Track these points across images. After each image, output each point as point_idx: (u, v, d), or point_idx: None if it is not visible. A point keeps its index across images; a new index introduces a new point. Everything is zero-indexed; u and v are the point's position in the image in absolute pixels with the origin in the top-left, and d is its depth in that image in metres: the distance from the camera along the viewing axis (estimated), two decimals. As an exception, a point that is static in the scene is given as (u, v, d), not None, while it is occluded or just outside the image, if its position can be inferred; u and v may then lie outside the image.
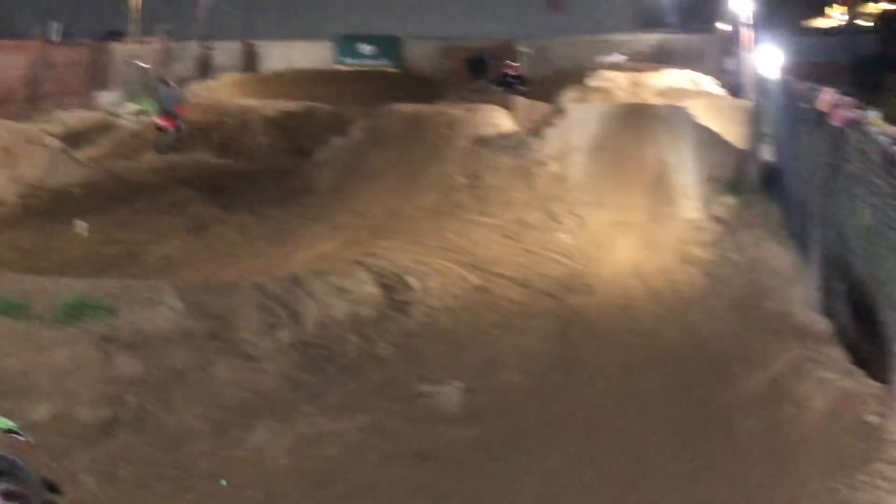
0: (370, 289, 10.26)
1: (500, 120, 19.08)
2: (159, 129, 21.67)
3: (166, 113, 21.80)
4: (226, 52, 39.12)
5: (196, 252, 12.85)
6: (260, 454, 6.86)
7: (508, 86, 29.93)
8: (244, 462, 6.75)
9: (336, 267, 10.83)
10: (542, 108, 23.43)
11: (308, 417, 7.46)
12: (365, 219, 14.39)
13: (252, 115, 23.41)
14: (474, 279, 11.38)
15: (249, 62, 39.75)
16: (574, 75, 30.77)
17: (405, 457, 6.89)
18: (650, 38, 38.85)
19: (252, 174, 19.03)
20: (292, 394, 7.92)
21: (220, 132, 22.88)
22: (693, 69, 27.73)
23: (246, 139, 22.53)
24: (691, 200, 14.76)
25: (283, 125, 23.23)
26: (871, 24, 58.58)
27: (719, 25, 44.54)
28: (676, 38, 37.68)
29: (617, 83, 24.34)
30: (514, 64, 32.02)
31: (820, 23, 75.38)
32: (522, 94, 26.47)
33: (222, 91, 30.41)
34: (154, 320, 8.27)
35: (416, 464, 6.79)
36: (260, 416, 7.41)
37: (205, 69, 36.32)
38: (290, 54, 40.05)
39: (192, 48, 36.74)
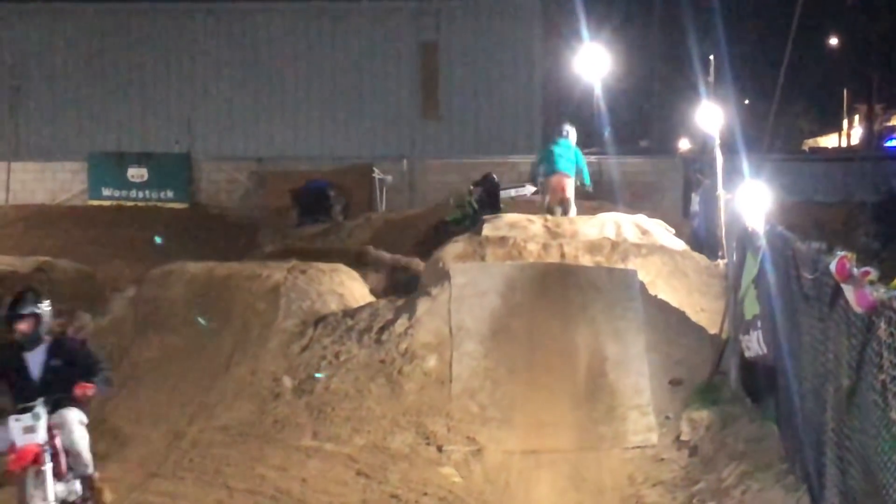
0: (138, 563, 9.95)
1: (348, 286, 19.11)
2: None
3: None
4: None
5: None
6: None
7: None
8: None
9: (83, 528, 10.47)
10: (412, 266, 23.61)
11: None
12: (131, 446, 14.10)
13: (-50, 277, 22.86)
14: (307, 544, 11.18)
15: (-51, 192, 39.38)
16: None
17: None
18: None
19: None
20: None
21: None
22: (642, 211, 28.39)
23: (-61, 316, 21.92)
24: (644, 415, 14.90)
25: (1, 294, 22.70)
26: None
27: (683, 146, 45.79)
28: (616, 165, 38.69)
29: (528, 232, 24.70)
30: None
31: (829, 141, 78.46)
32: None
33: None
34: None
35: None
36: None
37: None
38: (15, 182, 39.79)
39: None
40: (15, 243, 30.36)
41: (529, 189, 35.79)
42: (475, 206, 30.72)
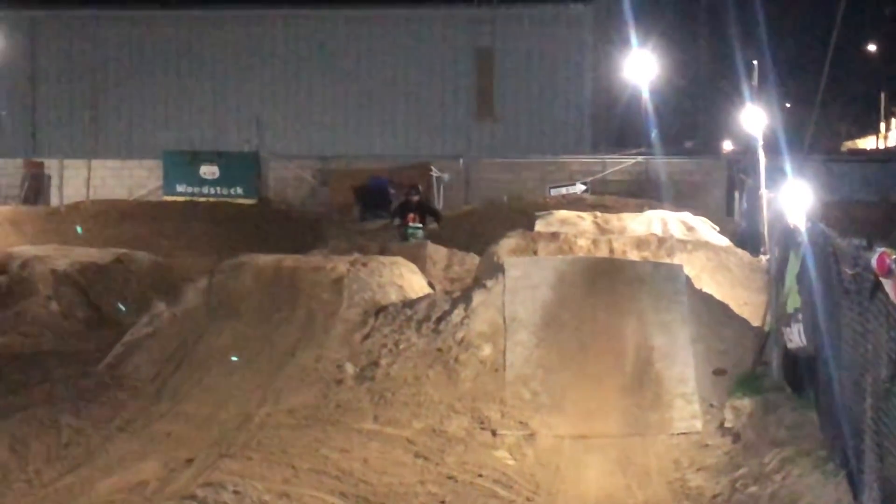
0: (210, 538, 10.00)
1: (407, 279, 19.13)
2: None
3: None
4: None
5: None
6: None
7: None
8: None
9: (158, 504, 10.56)
10: (468, 261, 23.60)
11: None
12: (203, 428, 14.15)
13: (35, 268, 22.96)
14: (367, 521, 11.20)
15: (35, 189, 39.62)
16: (513, 213, 31.26)
17: None
18: (623, 164, 39.73)
19: (32, 359, 18.62)
20: None
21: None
22: (687, 209, 28.28)
23: (25, 305, 22.06)
24: (689, 403, 14.85)
25: (81, 284, 22.83)
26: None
27: (728, 147, 45.16)
28: (662, 165, 38.51)
29: (578, 228, 24.70)
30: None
31: (867, 143, 77.64)
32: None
33: (-10, 232, 30.13)
34: None
35: None
36: None
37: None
38: (95, 178, 40.14)
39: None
40: (95, 236, 30.60)
41: (580, 187, 35.80)
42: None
